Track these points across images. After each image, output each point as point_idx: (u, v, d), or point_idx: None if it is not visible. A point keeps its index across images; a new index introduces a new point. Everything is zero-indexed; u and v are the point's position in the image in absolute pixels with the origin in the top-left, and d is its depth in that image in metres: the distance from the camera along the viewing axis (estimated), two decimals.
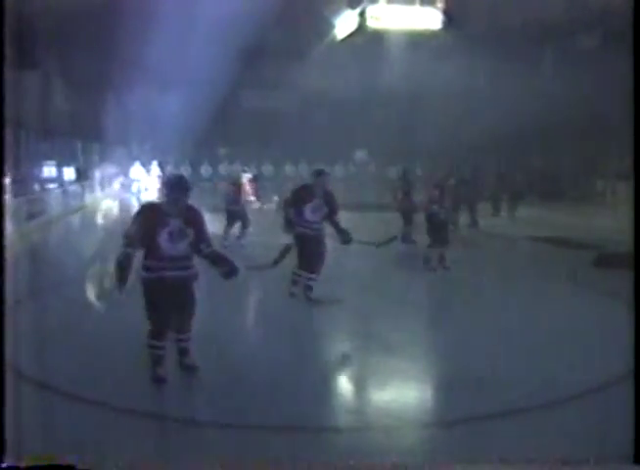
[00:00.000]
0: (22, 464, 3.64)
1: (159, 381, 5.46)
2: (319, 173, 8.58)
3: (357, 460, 4.07)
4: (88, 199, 22.96)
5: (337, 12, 23.96)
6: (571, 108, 21.34)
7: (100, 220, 21.80)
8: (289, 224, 8.45)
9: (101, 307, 8.79)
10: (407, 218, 13.38)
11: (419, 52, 24.23)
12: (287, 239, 8.88)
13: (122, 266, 5.40)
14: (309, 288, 8.35)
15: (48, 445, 4.12)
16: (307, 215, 8.22)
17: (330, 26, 24.50)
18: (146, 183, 20.02)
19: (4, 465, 3.64)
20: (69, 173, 23.40)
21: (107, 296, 9.28)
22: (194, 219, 5.57)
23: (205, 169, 30.44)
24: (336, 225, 8.46)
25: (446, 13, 22.53)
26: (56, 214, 18.53)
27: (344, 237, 8.48)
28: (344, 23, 23.88)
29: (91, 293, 9.56)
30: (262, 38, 23.54)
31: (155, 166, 22.23)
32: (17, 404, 4.02)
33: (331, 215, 8.38)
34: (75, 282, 9.93)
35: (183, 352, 5.71)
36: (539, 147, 23.81)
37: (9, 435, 3.71)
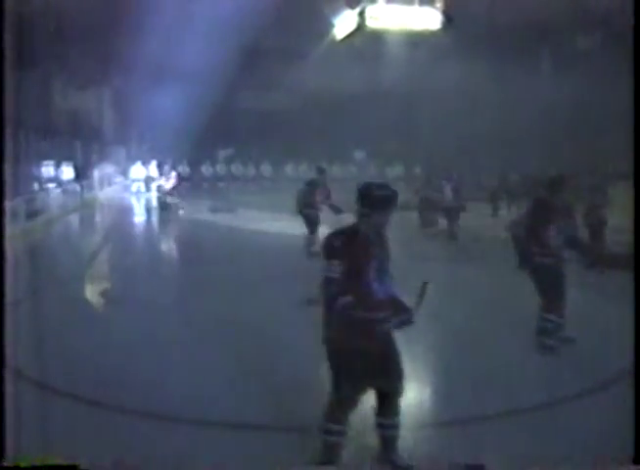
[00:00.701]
0: (23, 464, 3.63)
1: None
2: (560, 181, 6.38)
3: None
4: (87, 198, 22.95)
5: (336, 12, 23.95)
6: (569, 108, 21.36)
7: (99, 220, 21.80)
8: (525, 255, 6.33)
9: (100, 306, 8.85)
10: (453, 216, 13.71)
11: (418, 52, 24.25)
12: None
13: (350, 320, 3.80)
14: (559, 327, 6.33)
15: (48, 445, 4.12)
16: (551, 240, 6.18)
17: (329, 26, 24.49)
18: (164, 184, 19.81)
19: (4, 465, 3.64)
20: (68, 173, 23.40)
21: (105, 295, 9.34)
22: (388, 246, 4.05)
23: (205, 169, 30.48)
24: (582, 248, 6.67)
25: (445, 13, 22.52)
26: (55, 214, 18.53)
27: (592, 259, 6.58)
28: (344, 23, 23.88)
29: (90, 292, 9.60)
30: (261, 38, 23.57)
31: (167, 166, 22.08)
32: (17, 404, 4.02)
33: (575, 236, 6.48)
34: (75, 281, 9.97)
35: (389, 445, 4.10)
36: (538, 147, 23.80)
37: (9, 435, 3.70)
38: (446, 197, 13.93)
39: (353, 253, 3.82)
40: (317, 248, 11.57)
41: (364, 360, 3.82)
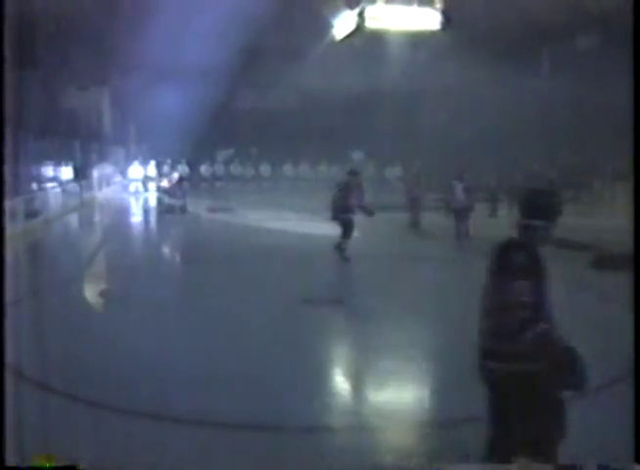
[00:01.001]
0: (23, 464, 3.63)
1: None
2: None
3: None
4: (86, 198, 22.94)
5: (335, 12, 23.95)
6: (568, 108, 21.38)
7: (98, 219, 21.79)
8: None
9: (100, 306, 8.85)
10: (463, 216, 13.89)
11: (417, 52, 24.25)
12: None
13: (540, 350, 3.33)
14: None
15: (48, 445, 4.12)
16: None
17: (328, 27, 24.49)
18: (165, 185, 19.72)
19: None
20: (68, 173, 23.41)
21: (105, 294, 9.34)
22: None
23: (204, 169, 30.43)
24: None
25: (444, 13, 22.51)
26: (54, 213, 18.52)
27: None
28: (343, 24, 23.87)
29: (90, 291, 9.60)
30: (261, 38, 23.56)
31: (166, 166, 22.06)
32: (17, 404, 4.02)
33: None
34: (74, 281, 9.96)
35: None
36: (537, 147, 23.82)
37: (9, 435, 3.70)
38: (457, 197, 14.01)
39: (535, 270, 3.34)
40: (349, 253, 11.44)
41: (527, 393, 3.40)
